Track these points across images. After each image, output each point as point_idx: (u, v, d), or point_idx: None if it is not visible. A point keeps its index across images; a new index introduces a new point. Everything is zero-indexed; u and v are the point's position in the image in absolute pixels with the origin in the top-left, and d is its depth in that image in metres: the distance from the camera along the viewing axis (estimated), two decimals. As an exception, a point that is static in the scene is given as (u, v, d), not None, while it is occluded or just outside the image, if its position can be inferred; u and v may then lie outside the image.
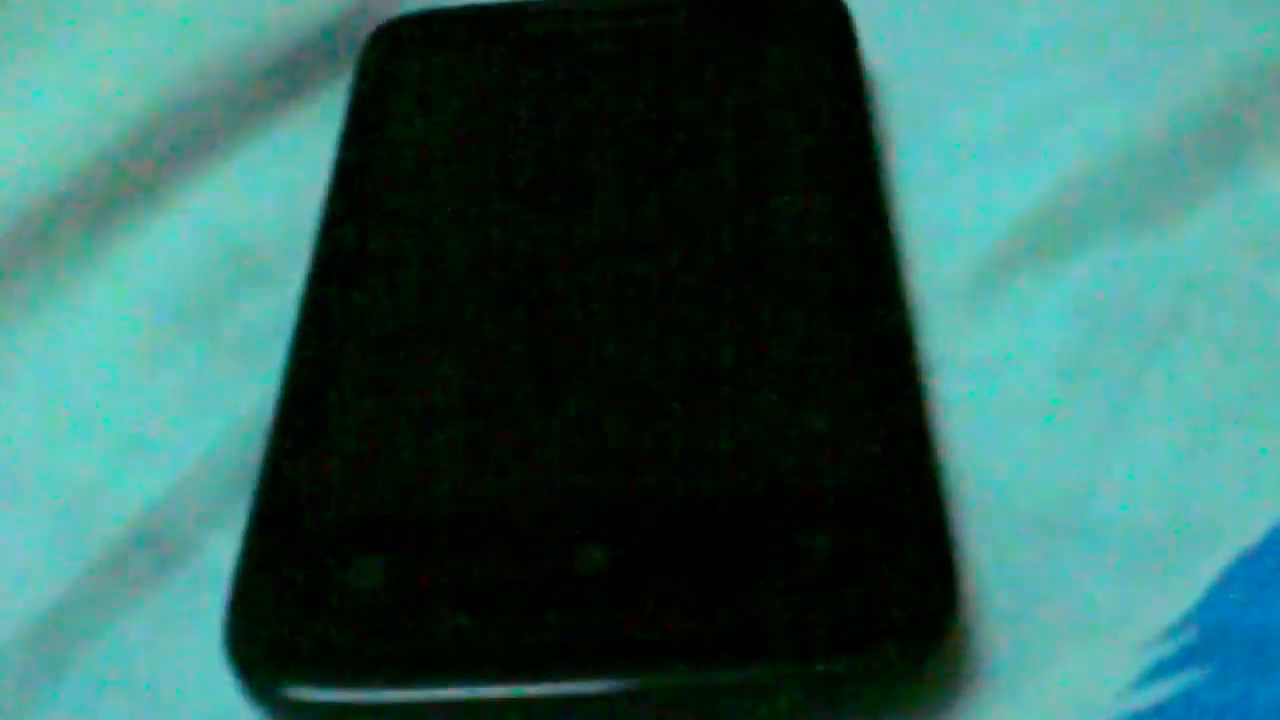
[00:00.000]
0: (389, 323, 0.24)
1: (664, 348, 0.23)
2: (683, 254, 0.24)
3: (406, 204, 0.26)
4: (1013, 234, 0.26)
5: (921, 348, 0.24)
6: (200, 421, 0.24)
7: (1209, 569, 0.21)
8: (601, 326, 0.23)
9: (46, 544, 0.23)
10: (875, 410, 0.22)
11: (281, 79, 0.30)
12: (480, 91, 0.28)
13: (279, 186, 0.28)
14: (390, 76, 0.28)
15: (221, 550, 0.22)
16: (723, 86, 0.27)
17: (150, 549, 0.23)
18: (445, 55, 0.28)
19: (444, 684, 0.19)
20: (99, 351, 0.25)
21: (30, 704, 0.21)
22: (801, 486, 0.21)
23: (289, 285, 0.25)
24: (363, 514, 0.21)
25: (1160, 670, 0.20)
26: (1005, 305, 0.25)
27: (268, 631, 0.20)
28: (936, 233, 0.26)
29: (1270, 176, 0.26)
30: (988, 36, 0.29)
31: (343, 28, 0.30)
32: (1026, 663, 0.21)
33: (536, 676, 0.19)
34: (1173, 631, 0.21)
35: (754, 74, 0.27)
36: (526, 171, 0.26)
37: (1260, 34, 0.28)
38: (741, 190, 0.25)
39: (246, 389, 0.25)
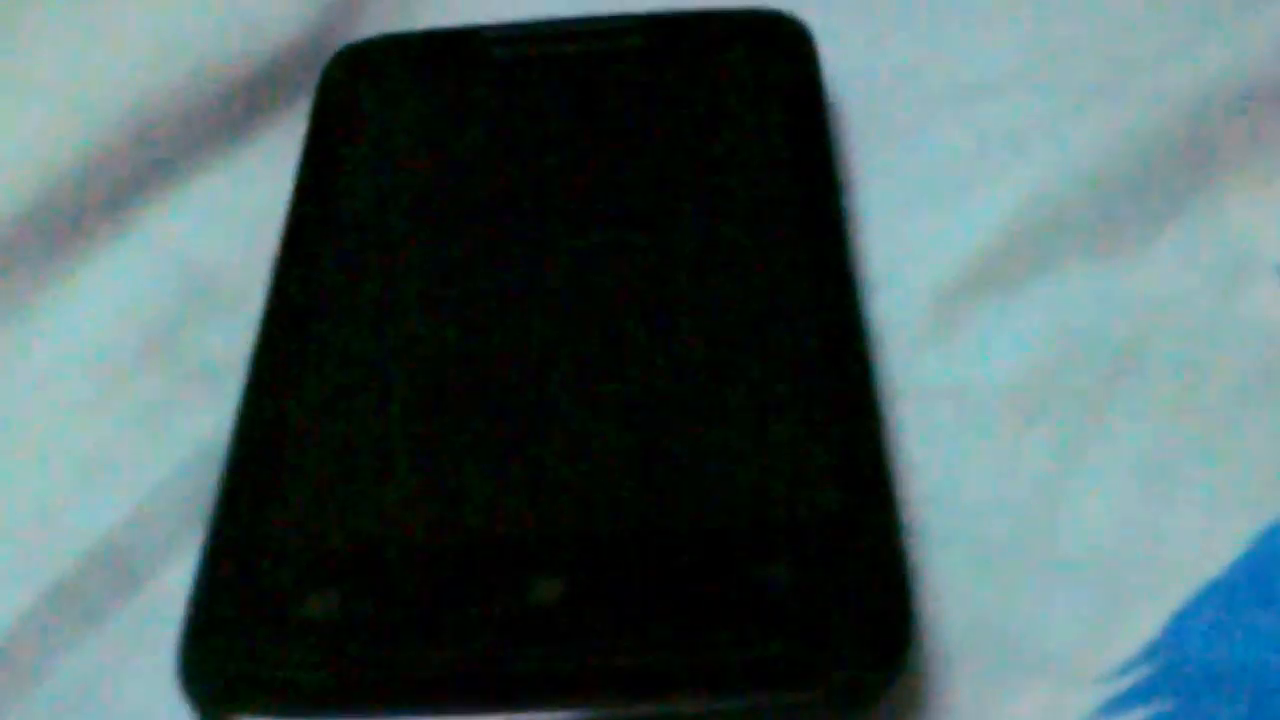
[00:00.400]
0: (346, 351, 0.24)
1: (622, 376, 0.23)
2: (641, 282, 0.24)
3: (366, 231, 0.25)
4: (974, 260, 0.26)
5: (882, 375, 0.24)
6: (160, 448, 0.24)
7: (1169, 601, 0.21)
8: (559, 356, 0.23)
9: (3, 569, 0.23)
10: (834, 439, 0.22)
11: (242, 104, 0.29)
12: (441, 115, 0.27)
13: (239, 212, 0.28)
14: (350, 101, 0.28)
15: (180, 577, 0.22)
16: (684, 110, 0.27)
17: (109, 574, 0.23)
18: (405, 79, 0.28)
19: (396, 715, 0.19)
20: (58, 376, 0.25)
21: None
22: (759, 516, 0.21)
23: (249, 311, 0.25)
24: (317, 545, 0.21)
25: (1120, 703, 0.20)
26: (967, 332, 0.25)
27: (221, 662, 0.20)
28: (898, 258, 0.26)
29: (1232, 203, 0.26)
30: (951, 61, 0.29)
31: (303, 52, 0.30)
32: (985, 696, 0.21)
33: (489, 708, 0.19)
34: (1133, 664, 0.21)
35: (715, 97, 0.27)
36: (486, 196, 0.26)
37: (1223, 60, 0.28)
38: (701, 216, 0.25)
39: (205, 416, 0.24)
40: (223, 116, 0.29)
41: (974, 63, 0.29)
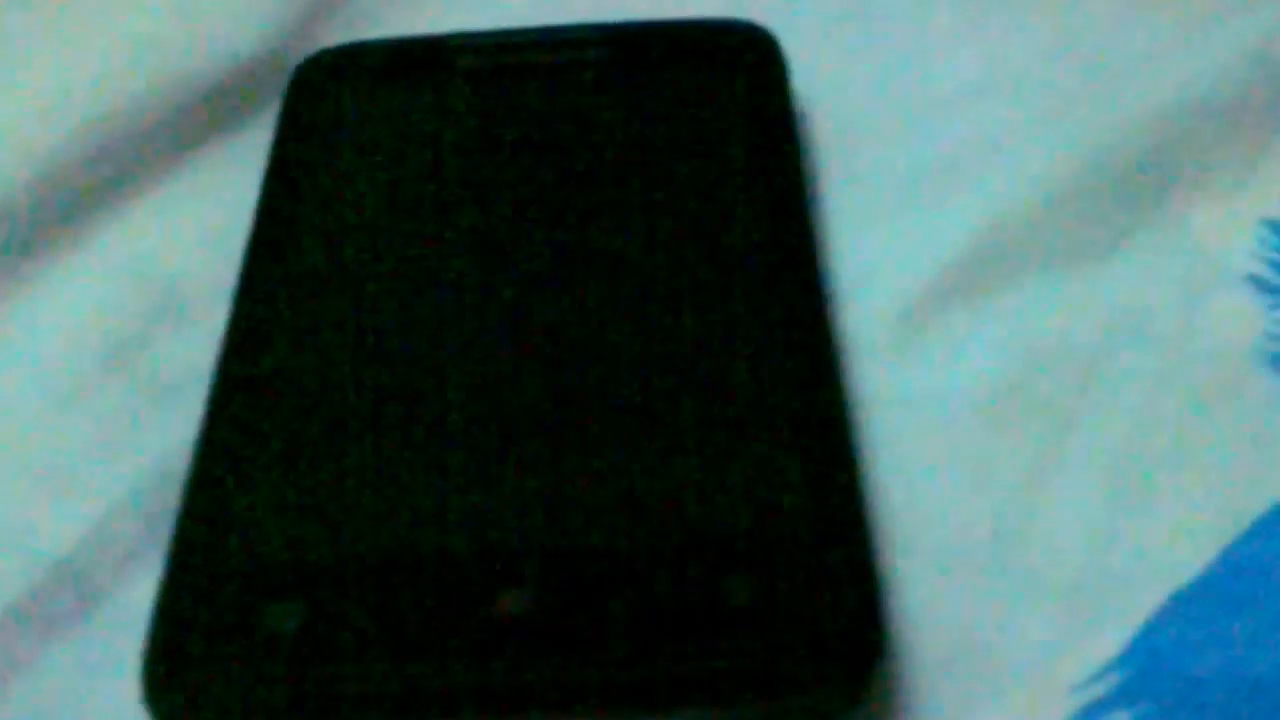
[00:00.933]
0: (309, 364, 0.23)
1: (589, 389, 0.23)
2: (608, 292, 0.24)
3: (331, 241, 0.25)
4: (941, 272, 0.26)
5: (851, 386, 0.24)
6: (120, 462, 0.24)
7: (1142, 609, 0.21)
8: (524, 368, 0.23)
9: None
10: (802, 450, 0.22)
11: (205, 113, 0.29)
12: (406, 124, 0.27)
13: (202, 224, 0.27)
14: (316, 109, 0.28)
15: (142, 592, 0.22)
16: (651, 122, 0.27)
17: (71, 588, 0.23)
18: (371, 87, 0.28)
19: None
20: (18, 389, 0.25)
21: None
22: (727, 528, 0.21)
23: (212, 323, 0.25)
24: (279, 559, 0.21)
25: (1096, 710, 0.20)
26: (934, 343, 0.25)
27: (184, 677, 0.19)
28: (865, 269, 0.26)
29: (1195, 215, 0.27)
30: (918, 73, 0.29)
31: (267, 62, 0.30)
32: (957, 706, 0.21)
33: None
34: (1107, 671, 0.21)
35: (683, 107, 0.27)
36: (451, 206, 0.26)
37: (1186, 75, 0.28)
38: (669, 226, 0.25)
39: (167, 429, 0.24)
40: (185, 126, 0.29)
41: (941, 76, 0.29)
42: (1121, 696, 0.20)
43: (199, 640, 0.20)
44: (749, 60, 0.28)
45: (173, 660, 0.20)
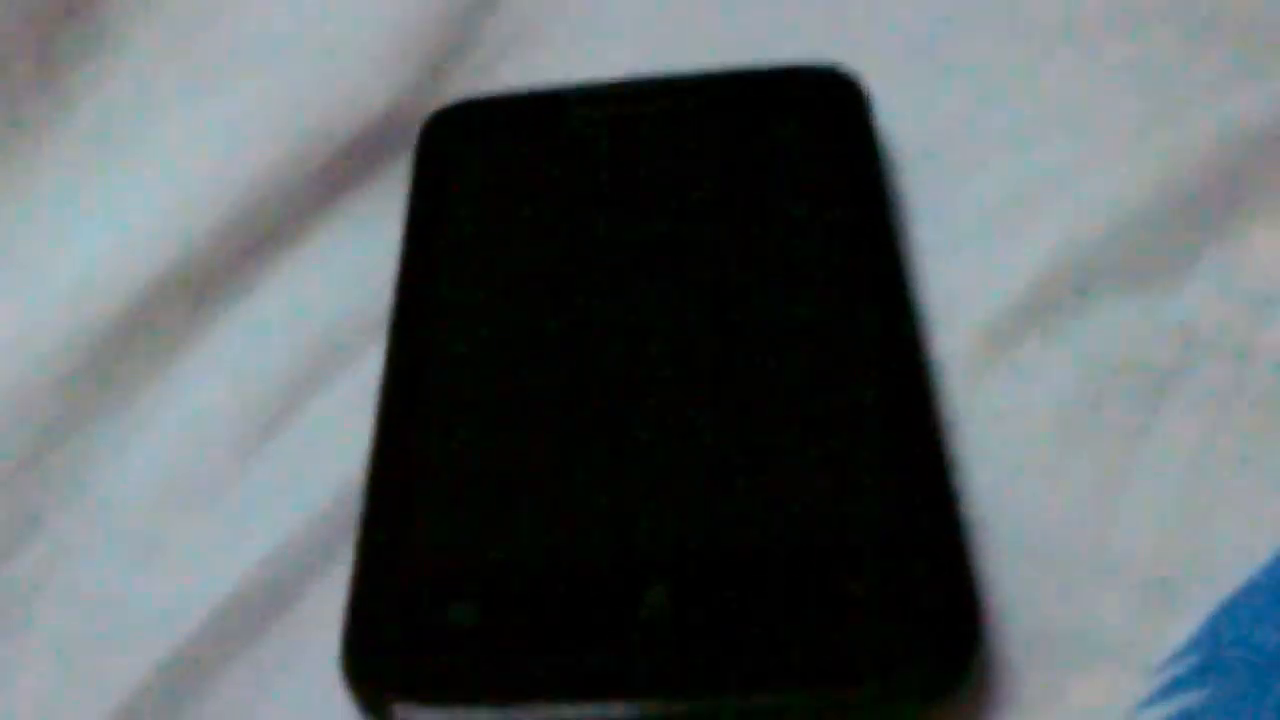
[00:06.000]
0: (465, 393, 0.26)
1: (720, 413, 0.25)
2: (728, 321, 0.26)
3: (472, 283, 0.28)
4: (1021, 295, 0.27)
5: (941, 402, 0.26)
6: (301, 488, 0.26)
7: (1211, 599, 0.23)
8: (659, 398, 0.25)
9: (170, 596, 0.25)
10: (903, 462, 0.24)
11: (344, 167, 0.31)
12: (528, 170, 0.29)
13: (351, 270, 0.29)
14: (446, 159, 0.30)
15: (326, 594, 0.24)
16: (750, 162, 0.29)
17: (263, 597, 0.25)
18: (493, 139, 0.30)
19: (526, 705, 0.21)
20: (207, 427, 0.27)
21: (181, 716, 0.23)
22: (843, 534, 0.23)
23: (371, 361, 0.27)
24: (453, 562, 0.23)
25: (1168, 691, 0.22)
26: (1016, 361, 0.26)
27: (378, 659, 0.22)
28: (950, 294, 0.27)
29: (1260, 239, 0.28)
30: (994, 107, 0.31)
31: (396, 115, 0.32)
32: (1046, 687, 0.22)
33: (605, 700, 0.21)
34: (1182, 655, 0.22)
35: (779, 148, 0.29)
36: (575, 246, 0.28)
37: (1249, 103, 0.30)
38: (775, 259, 0.27)
39: (338, 457, 0.26)
40: (327, 179, 0.31)
41: (1016, 108, 0.30)
42: (1196, 676, 0.22)
43: (388, 628, 0.22)
44: (837, 102, 0.30)
45: (368, 645, 0.22)
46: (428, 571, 0.23)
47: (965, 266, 0.28)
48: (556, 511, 0.24)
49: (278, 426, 0.27)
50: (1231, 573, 0.23)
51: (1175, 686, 0.22)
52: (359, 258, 0.29)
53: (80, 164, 0.31)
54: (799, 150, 0.29)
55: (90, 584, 0.25)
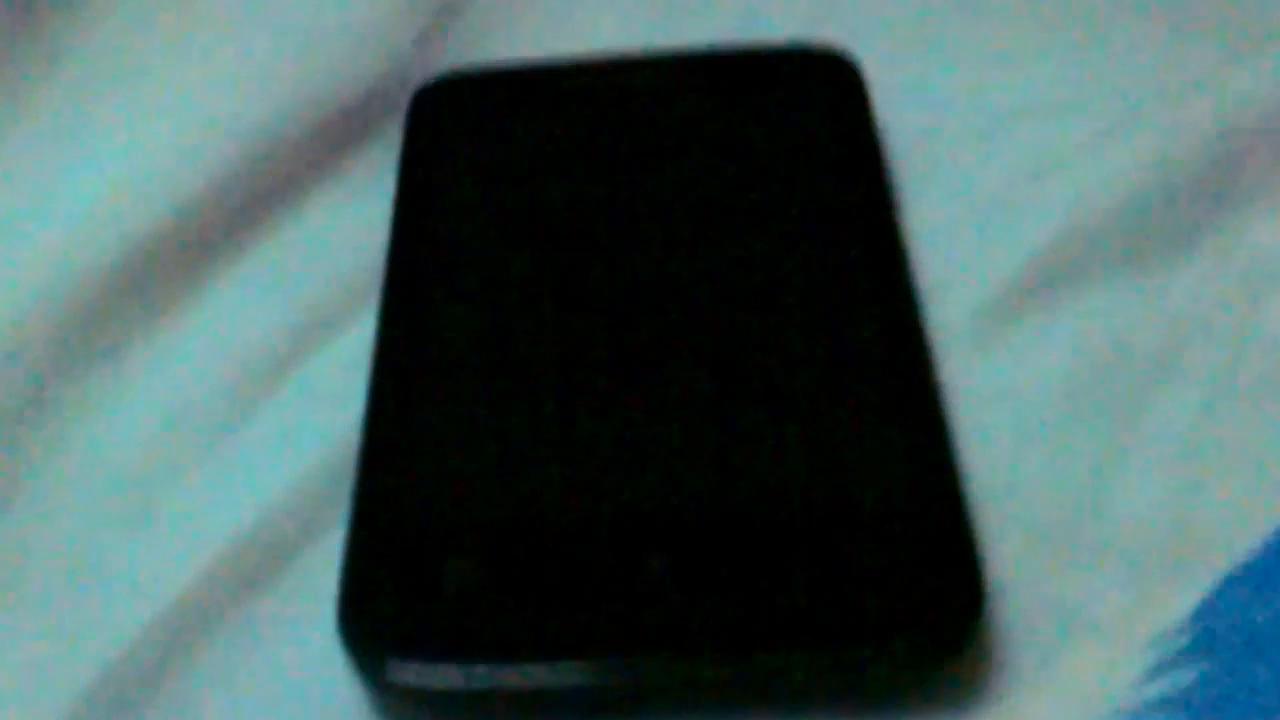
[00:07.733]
0: (460, 354, 0.26)
1: (721, 381, 0.25)
2: (728, 292, 0.26)
3: (467, 245, 0.27)
4: (1018, 274, 0.27)
5: (941, 377, 0.26)
6: (294, 449, 0.26)
7: (1209, 575, 0.23)
8: (661, 362, 0.25)
9: (162, 555, 0.25)
10: (905, 435, 0.24)
11: (333, 135, 0.31)
12: (519, 142, 0.29)
13: (343, 232, 0.29)
14: (437, 129, 0.30)
15: (321, 554, 0.24)
16: (747, 138, 0.29)
17: (260, 554, 0.25)
18: (484, 109, 0.30)
19: (526, 662, 0.21)
20: (199, 386, 0.27)
21: (173, 674, 0.23)
22: (851, 503, 0.23)
23: (361, 325, 0.27)
24: (448, 519, 0.23)
25: (1166, 665, 0.22)
26: (1013, 339, 0.26)
27: (374, 615, 0.22)
28: (948, 272, 0.28)
29: (1257, 221, 0.28)
30: (993, 89, 0.31)
31: (384, 84, 0.32)
32: (1044, 658, 0.22)
33: (604, 659, 0.21)
34: (1177, 630, 0.22)
35: (775, 125, 0.29)
36: (573, 221, 0.28)
37: (1246, 90, 0.30)
38: (773, 235, 0.27)
39: (333, 420, 0.26)
40: (316, 147, 0.31)
41: (1014, 92, 0.31)
42: (1192, 651, 0.22)
43: (388, 588, 0.22)
44: (832, 81, 0.30)
45: (363, 602, 0.22)
46: (423, 531, 0.23)
47: (962, 247, 0.28)
48: (553, 470, 0.24)
49: (272, 385, 0.27)
50: (1225, 551, 0.23)
51: (1174, 661, 0.22)
52: (352, 220, 0.30)
53: (71, 123, 0.31)
54: (795, 129, 0.29)
55: (80, 543, 0.25)
